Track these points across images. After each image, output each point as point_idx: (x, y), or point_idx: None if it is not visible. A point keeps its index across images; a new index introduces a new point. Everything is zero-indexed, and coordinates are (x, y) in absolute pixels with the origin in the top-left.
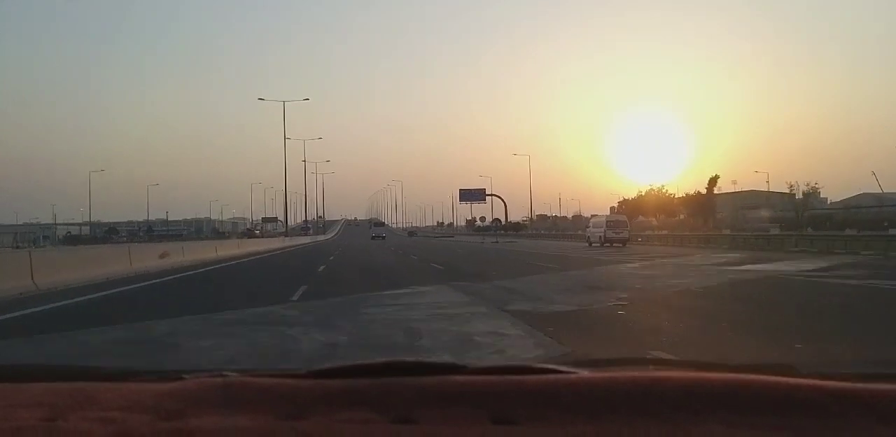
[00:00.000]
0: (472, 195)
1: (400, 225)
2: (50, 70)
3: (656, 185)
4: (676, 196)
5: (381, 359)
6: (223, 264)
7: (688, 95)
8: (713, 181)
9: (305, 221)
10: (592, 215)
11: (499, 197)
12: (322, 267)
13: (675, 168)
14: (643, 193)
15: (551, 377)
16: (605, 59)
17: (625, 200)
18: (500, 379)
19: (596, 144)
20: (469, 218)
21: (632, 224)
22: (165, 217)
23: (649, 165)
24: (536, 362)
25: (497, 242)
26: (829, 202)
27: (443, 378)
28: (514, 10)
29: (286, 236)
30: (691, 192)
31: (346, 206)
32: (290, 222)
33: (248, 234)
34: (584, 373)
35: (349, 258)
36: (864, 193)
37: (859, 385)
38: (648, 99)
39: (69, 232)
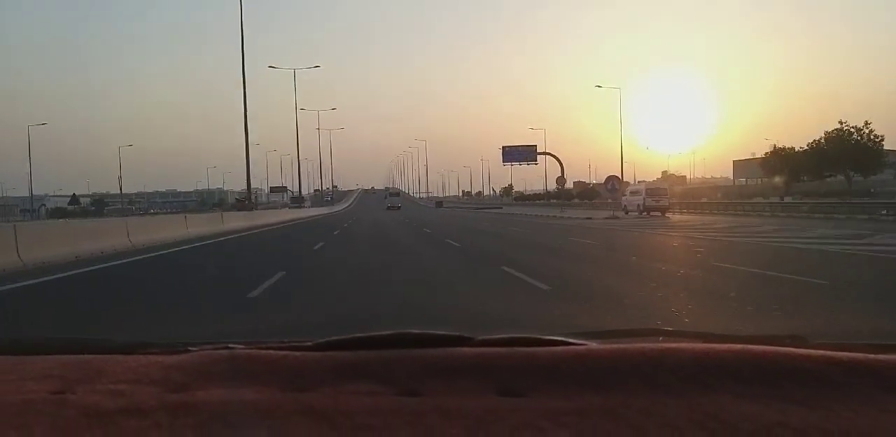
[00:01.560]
0: (518, 154)
1: (421, 194)
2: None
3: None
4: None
5: (387, 331)
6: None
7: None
8: None
9: (318, 190)
10: (626, 183)
11: (553, 156)
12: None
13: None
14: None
15: (559, 348)
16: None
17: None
18: (507, 351)
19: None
20: (505, 185)
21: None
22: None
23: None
24: (544, 334)
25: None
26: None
27: (449, 350)
28: None
29: (290, 207)
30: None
31: (364, 175)
32: (304, 191)
33: (238, 206)
34: (593, 345)
35: (347, 250)
36: None
37: (870, 356)
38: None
39: (44, 205)
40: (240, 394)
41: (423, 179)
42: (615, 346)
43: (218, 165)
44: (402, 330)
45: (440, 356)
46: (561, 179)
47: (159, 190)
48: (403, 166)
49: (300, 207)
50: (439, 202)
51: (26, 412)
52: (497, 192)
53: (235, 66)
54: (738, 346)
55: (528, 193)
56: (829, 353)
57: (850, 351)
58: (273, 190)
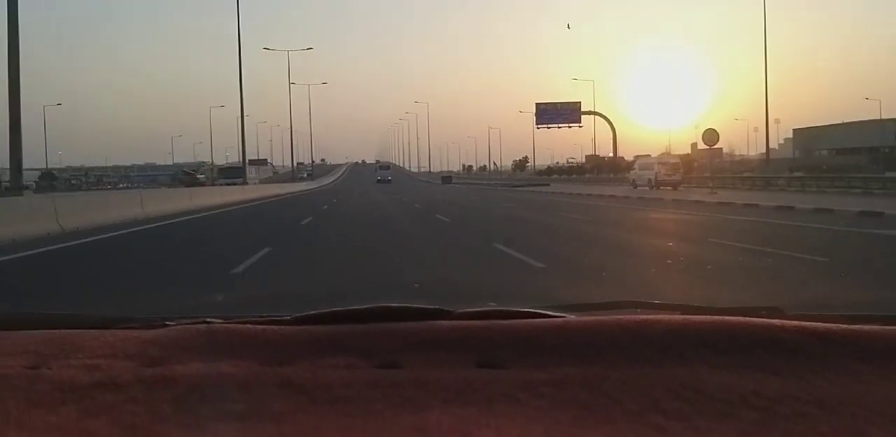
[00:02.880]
0: (557, 114)
1: (420, 168)
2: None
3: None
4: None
5: (366, 305)
6: None
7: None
8: None
9: (301, 163)
10: (637, 156)
11: (603, 116)
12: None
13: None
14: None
15: (538, 321)
16: None
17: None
18: (486, 324)
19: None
20: (518, 159)
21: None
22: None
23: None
24: (522, 307)
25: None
26: None
27: (428, 323)
28: None
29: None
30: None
31: (355, 149)
32: (289, 164)
33: (187, 181)
34: (571, 317)
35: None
36: None
37: (843, 326)
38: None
39: None
40: (217, 368)
41: (421, 151)
42: (593, 318)
43: (205, 139)
44: (380, 304)
45: (419, 329)
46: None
47: (137, 163)
48: (398, 138)
49: (235, 183)
50: (446, 177)
51: (1, 387)
52: (497, 166)
53: (226, 41)
54: (715, 317)
55: (541, 167)
56: (804, 324)
57: (825, 321)
58: (252, 163)
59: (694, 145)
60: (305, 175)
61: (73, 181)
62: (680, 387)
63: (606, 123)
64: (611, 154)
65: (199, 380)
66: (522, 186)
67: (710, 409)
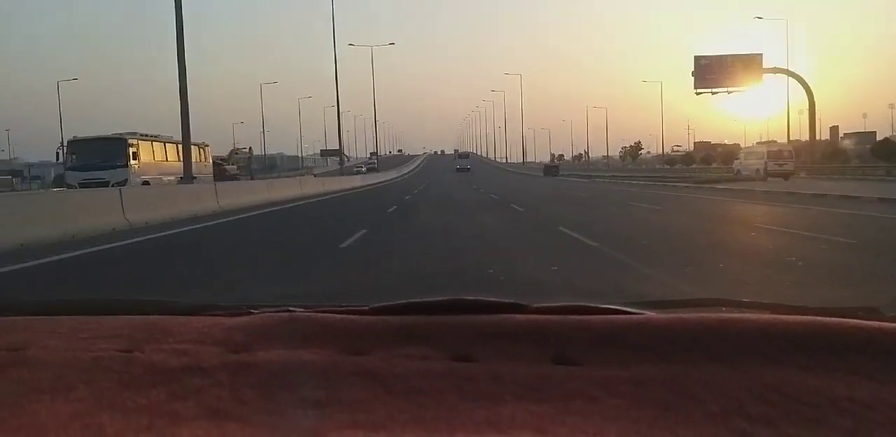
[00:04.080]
0: (725, 72)
1: (506, 157)
2: None
3: None
4: None
5: (441, 297)
6: None
7: None
8: None
9: (374, 153)
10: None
11: (795, 76)
12: None
13: None
14: None
15: (615, 317)
16: None
17: None
18: (562, 319)
19: None
20: (629, 145)
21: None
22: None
23: None
24: (600, 303)
25: None
26: None
27: (503, 317)
28: None
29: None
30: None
31: (435, 139)
32: (361, 155)
33: (216, 172)
34: (650, 314)
35: None
36: None
37: None
38: None
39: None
40: (298, 355)
41: (508, 140)
42: (674, 315)
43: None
44: (455, 297)
45: (493, 323)
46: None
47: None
48: (478, 126)
49: (237, 176)
50: (552, 167)
51: (95, 369)
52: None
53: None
54: (806, 317)
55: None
56: None
57: None
58: (324, 153)
59: (835, 129)
60: (364, 169)
61: None
62: (766, 390)
63: (800, 87)
64: (765, 139)
65: (280, 366)
66: (708, 183)
67: (799, 414)
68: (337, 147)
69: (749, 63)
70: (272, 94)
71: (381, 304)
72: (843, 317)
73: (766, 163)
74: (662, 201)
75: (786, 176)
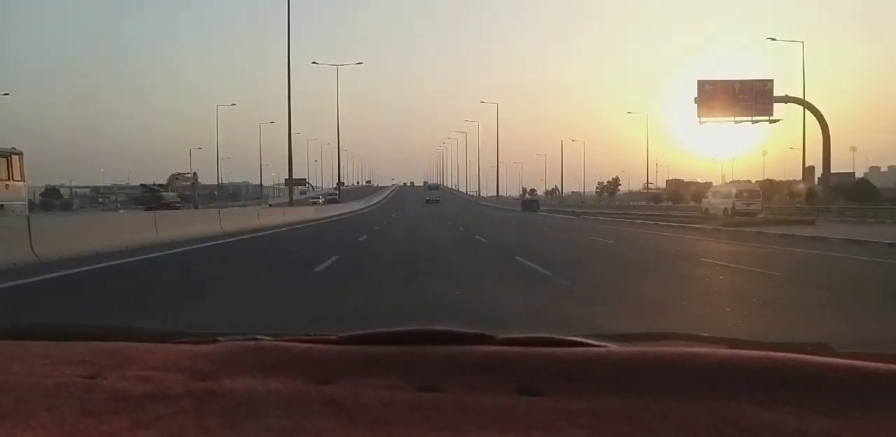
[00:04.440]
0: (733, 100)
1: (479, 191)
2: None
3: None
4: None
5: (409, 327)
6: None
7: None
8: None
9: (341, 183)
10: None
11: (809, 106)
12: None
13: None
14: None
15: (579, 349)
16: None
17: None
18: (527, 351)
19: None
20: (607, 180)
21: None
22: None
23: None
24: (565, 335)
25: None
26: None
27: (470, 348)
28: None
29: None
30: None
31: (405, 171)
32: (328, 185)
33: (148, 201)
34: (613, 347)
35: None
36: None
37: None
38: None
39: None
40: (264, 384)
41: (475, 173)
42: (635, 349)
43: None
44: (423, 327)
45: (460, 354)
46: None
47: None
48: (445, 160)
49: (174, 205)
50: (530, 201)
51: (58, 395)
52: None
53: (269, 58)
54: (761, 352)
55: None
56: (855, 362)
57: (877, 361)
58: (288, 182)
59: (810, 169)
60: (321, 200)
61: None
62: (722, 422)
63: (813, 118)
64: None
65: (245, 395)
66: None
67: None
68: (304, 176)
69: (760, 89)
70: (236, 119)
71: (349, 333)
72: (797, 352)
73: (733, 202)
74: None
75: (753, 215)
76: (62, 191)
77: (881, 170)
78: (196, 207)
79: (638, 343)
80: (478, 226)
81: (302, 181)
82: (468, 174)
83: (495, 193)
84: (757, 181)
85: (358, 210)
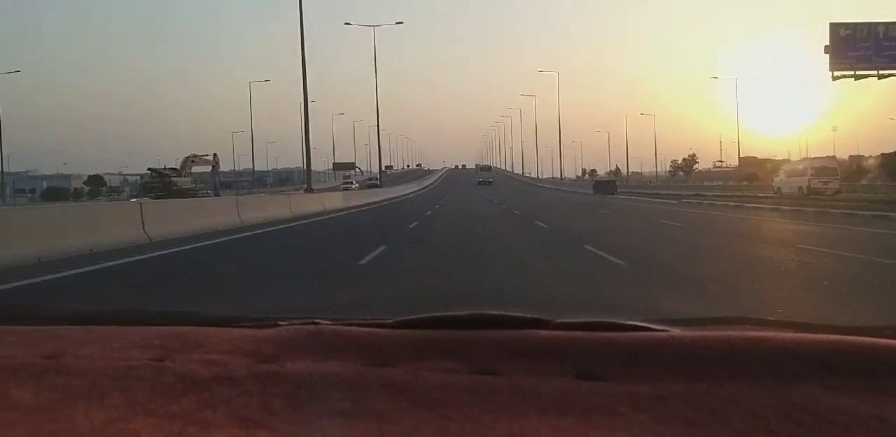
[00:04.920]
0: (878, 45)
1: (530, 172)
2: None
3: None
4: None
5: (465, 311)
6: None
7: None
8: None
9: (389, 166)
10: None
11: None
12: None
13: None
14: None
15: (640, 334)
16: None
17: None
18: (586, 335)
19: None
20: (679, 159)
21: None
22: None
23: None
24: (625, 319)
25: None
26: None
27: (527, 332)
28: None
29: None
30: None
31: (456, 154)
32: (376, 169)
33: (158, 188)
34: (675, 331)
35: None
36: None
37: None
38: None
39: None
40: (325, 367)
41: (528, 151)
42: (698, 333)
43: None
44: (480, 311)
45: (518, 338)
46: None
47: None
48: (498, 140)
49: (192, 193)
50: (605, 182)
51: (129, 377)
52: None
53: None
54: (833, 336)
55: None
56: None
57: None
58: (336, 167)
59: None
60: (354, 186)
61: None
62: (792, 409)
63: None
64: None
65: (307, 378)
66: None
67: (826, 433)
68: (352, 160)
69: None
70: (281, 102)
71: (406, 317)
72: (871, 336)
73: (809, 180)
74: None
75: (833, 194)
76: (115, 179)
77: None
78: (217, 195)
79: (701, 328)
80: (563, 221)
81: (351, 165)
82: (523, 155)
83: (552, 175)
84: (849, 156)
85: (394, 198)
